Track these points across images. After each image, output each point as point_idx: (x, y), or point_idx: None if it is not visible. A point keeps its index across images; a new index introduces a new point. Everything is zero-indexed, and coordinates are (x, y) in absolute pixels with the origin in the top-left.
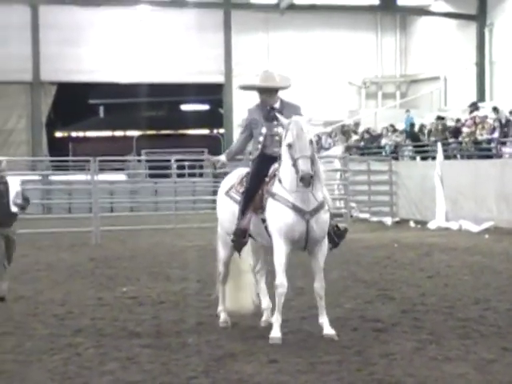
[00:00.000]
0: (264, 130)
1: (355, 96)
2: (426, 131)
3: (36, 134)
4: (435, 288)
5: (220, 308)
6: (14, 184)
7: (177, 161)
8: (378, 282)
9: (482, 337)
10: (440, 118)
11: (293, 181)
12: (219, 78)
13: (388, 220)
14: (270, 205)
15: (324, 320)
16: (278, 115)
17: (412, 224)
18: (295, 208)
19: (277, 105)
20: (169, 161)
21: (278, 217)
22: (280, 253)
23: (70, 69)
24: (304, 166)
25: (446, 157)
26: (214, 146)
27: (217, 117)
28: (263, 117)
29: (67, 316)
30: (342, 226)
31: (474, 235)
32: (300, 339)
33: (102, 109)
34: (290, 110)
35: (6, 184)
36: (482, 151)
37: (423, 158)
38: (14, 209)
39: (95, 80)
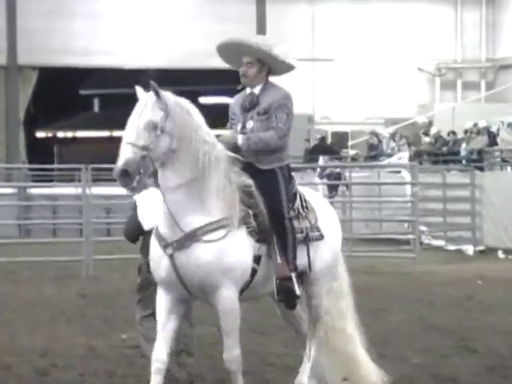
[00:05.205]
0: (239, 127)
1: (426, 86)
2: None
3: (11, 134)
4: None
5: None
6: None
7: None
8: (455, 330)
9: None
10: None
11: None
12: None
13: (469, 248)
14: None
15: None
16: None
17: (501, 254)
18: (157, 235)
19: (257, 89)
20: None
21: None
22: (158, 302)
23: (55, 49)
24: (121, 155)
25: None
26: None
27: None
28: (240, 107)
29: (50, 369)
30: (284, 279)
31: None
32: None
33: (96, 101)
34: (269, 95)
35: None
36: None
37: None
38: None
39: (88, 64)
